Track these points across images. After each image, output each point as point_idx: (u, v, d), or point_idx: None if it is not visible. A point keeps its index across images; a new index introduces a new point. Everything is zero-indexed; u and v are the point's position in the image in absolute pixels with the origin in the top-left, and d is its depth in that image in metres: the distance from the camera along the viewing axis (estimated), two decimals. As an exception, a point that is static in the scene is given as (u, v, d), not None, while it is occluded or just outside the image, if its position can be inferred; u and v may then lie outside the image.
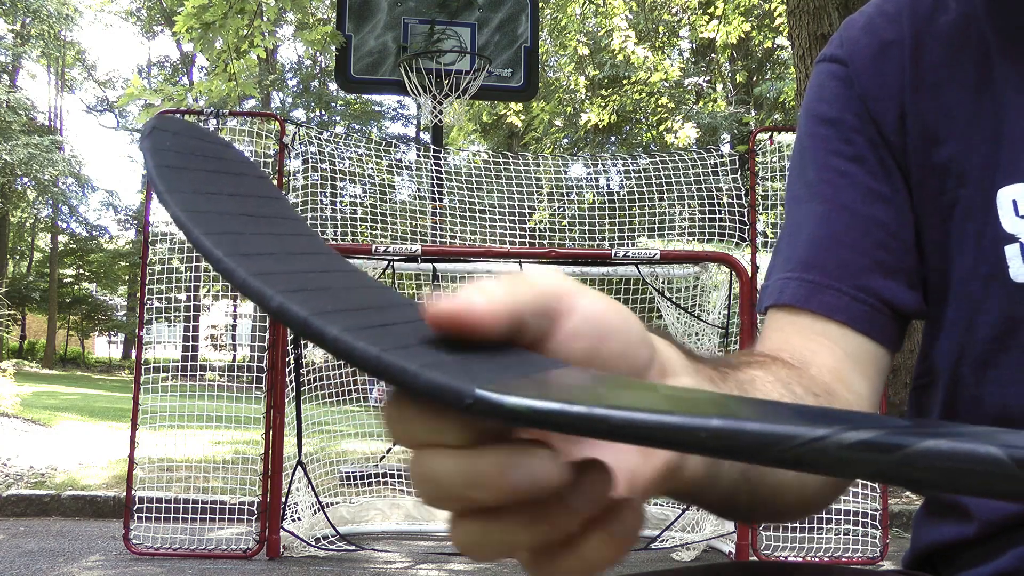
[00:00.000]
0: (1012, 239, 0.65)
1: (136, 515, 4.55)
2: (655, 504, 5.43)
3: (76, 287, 33.79)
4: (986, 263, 0.66)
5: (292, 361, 4.76)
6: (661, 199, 5.88)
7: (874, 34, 0.73)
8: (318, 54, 26.16)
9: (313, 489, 4.82)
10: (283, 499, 4.54)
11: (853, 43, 0.74)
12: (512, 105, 12.23)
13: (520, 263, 5.10)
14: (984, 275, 0.66)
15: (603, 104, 13.75)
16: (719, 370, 0.51)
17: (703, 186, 5.70)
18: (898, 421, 0.28)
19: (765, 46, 14.23)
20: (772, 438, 0.27)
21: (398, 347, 0.31)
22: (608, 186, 10.13)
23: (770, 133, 5.03)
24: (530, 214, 7.06)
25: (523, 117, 14.08)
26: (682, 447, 0.28)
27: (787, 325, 0.69)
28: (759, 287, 4.59)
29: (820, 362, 0.66)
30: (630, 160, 6.66)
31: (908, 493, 5.78)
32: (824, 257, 0.70)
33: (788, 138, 5.01)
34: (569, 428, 0.28)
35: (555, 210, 9.37)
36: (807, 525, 4.61)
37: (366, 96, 25.52)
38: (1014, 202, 0.65)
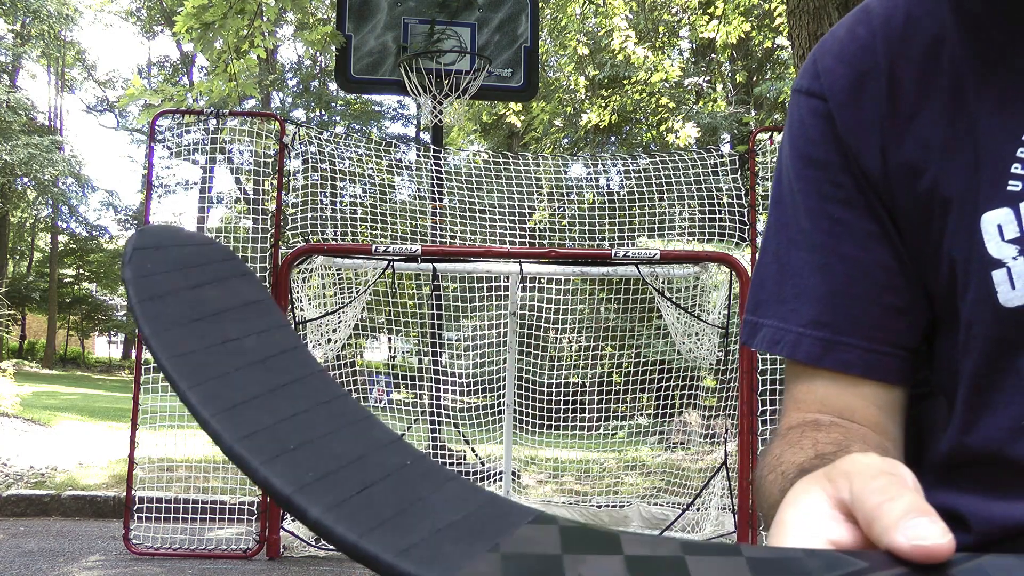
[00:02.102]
0: (999, 264, 0.65)
1: (136, 515, 4.55)
2: (655, 504, 5.43)
3: (76, 287, 33.78)
4: (974, 288, 0.66)
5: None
6: (661, 199, 5.88)
7: (849, 64, 0.73)
8: (318, 54, 26.16)
9: (313, 489, 4.82)
10: (283, 499, 4.54)
11: (829, 75, 0.73)
12: (512, 105, 12.21)
13: (520, 263, 5.10)
14: (972, 300, 0.66)
15: (603, 104, 13.74)
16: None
17: (703, 186, 5.70)
18: None
19: (765, 46, 14.23)
20: None
21: (376, 525, 0.33)
22: (608, 186, 10.14)
23: (770, 133, 5.03)
24: (530, 214, 7.06)
25: (523, 117, 14.07)
26: None
27: (817, 385, 0.73)
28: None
29: (860, 417, 0.71)
30: (630, 160, 6.66)
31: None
32: (832, 315, 0.71)
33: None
34: None
35: (555, 210, 9.37)
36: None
37: (366, 96, 25.51)
38: (999, 227, 0.65)
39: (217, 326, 0.40)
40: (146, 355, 4.92)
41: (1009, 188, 0.65)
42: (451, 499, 0.35)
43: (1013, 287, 0.64)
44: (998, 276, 0.65)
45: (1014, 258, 0.64)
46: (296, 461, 0.34)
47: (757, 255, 0.83)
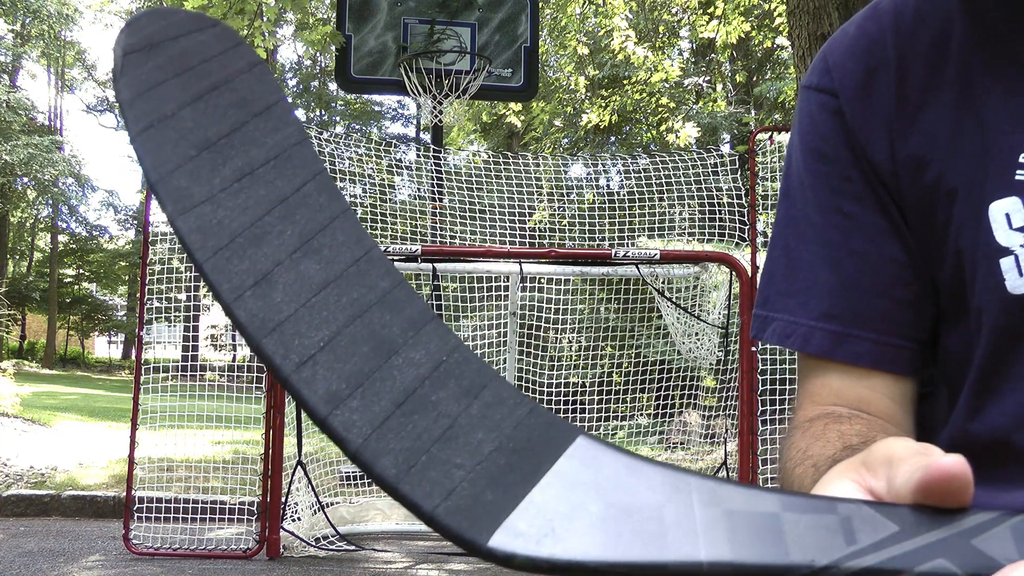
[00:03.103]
0: (1007, 252, 0.65)
1: (136, 515, 4.55)
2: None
3: (76, 287, 33.75)
4: (982, 277, 0.67)
5: (292, 361, 4.75)
6: (661, 199, 5.88)
7: (860, 60, 0.73)
8: (318, 54, 26.15)
9: (313, 489, 4.82)
10: (283, 499, 4.54)
11: (840, 70, 0.74)
12: (512, 105, 12.21)
13: (520, 263, 5.10)
14: (980, 289, 0.67)
15: (603, 104, 13.74)
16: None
17: (703, 186, 5.70)
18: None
19: (765, 46, 14.21)
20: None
21: (414, 459, 0.31)
22: (608, 186, 10.13)
23: (770, 133, 5.03)
24: (530, 214, 7.06)
25: (523, 117, 14.06)
26: None
27: (830, 379, 0.73)
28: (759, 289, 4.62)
29: (874, 408, 0.71)
30: (630, 160, 6.66)
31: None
32: (842, 308, 0.72)
33: (788, 138, 5.01)
34: (572, 573, 0.30)
35: (555, 210, 9.37)
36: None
37: (366, 96, 25.51)
38: (1007, 216, 0.66)
39: (230, 155, 0.35)
40: (146, 355, 4.92)
41: (1017, 177, 0.66)
42: (489, 415, 0.33)
43: (1021, 274, 0.65)
44: (1006, 264, 0.65)
45: (1022, 246, 0.65)
46: (328, 364, 0.32)
47: (765, 251, 0.83)
